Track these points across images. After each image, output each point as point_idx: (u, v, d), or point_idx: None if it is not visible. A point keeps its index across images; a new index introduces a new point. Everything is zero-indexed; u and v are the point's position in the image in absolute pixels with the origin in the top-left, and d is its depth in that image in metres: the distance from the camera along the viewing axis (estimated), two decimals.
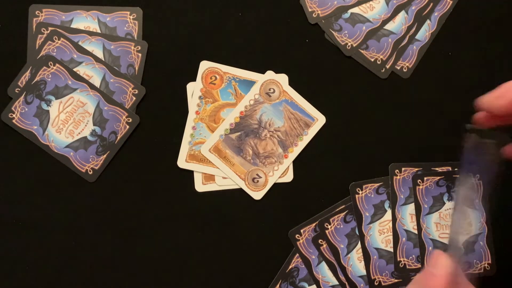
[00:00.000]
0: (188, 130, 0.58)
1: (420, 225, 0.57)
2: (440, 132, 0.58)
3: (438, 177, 0.57)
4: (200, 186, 0.57)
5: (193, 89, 0.58)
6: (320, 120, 0.58)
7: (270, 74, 0.58)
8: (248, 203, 0.57)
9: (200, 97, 0.58)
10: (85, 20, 0.58)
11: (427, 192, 0.57)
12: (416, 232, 0.57)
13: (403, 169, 0.57)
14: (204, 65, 0.58)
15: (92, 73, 0.57)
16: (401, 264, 0.57)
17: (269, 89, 0.58)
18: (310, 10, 0.59)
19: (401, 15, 0.59)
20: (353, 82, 0.59)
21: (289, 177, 0.58)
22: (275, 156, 0.58)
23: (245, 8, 0.58)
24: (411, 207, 0.57)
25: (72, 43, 0.57)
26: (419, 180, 0.57)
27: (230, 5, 0.58)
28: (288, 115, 0.58)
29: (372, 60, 0.59)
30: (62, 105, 0.57)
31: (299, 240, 0.57)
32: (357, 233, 0.57)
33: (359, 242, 0.57)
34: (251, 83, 0.58)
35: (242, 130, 0.58)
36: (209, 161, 0.57)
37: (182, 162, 0.57)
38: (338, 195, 0.58)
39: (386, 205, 0.57)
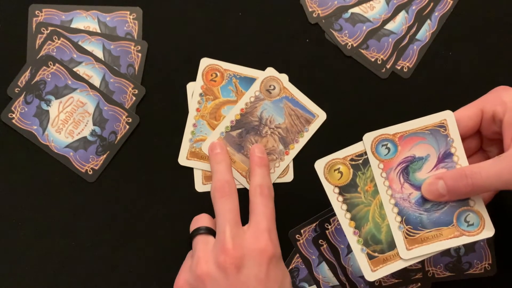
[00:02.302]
0: (188, 128, 0.58)
1: None
2: None
3: None
4: (200, 186, 0.57)
5: (193, 89, 0.58)
6: (320, 116, 0.58)
7: (270, 71, 0.58)
8: (248, 203, 0.57)
9: (200, 94, 0.58)
10: (85, 20, 0.58)
11: None
12: None
13: None
14: (205, 62, 0.58)
15: (92, 73, 0.57)
16: None
17: (270, 86, 0.58)
18: (310, 10, 0.59)
19: (402, 15, 0.59)
20: (353, 82, 0.59)
21: (289, 177, 0.58)
22: (276, 153, 0.58)
23: (245, 8, 0.58)
24: None
25: (72, 43, 0.57)
26: None
27: (230, 5, 0.58)
28: (288, 112, 0.58)
29: (373, 60, 0.59)
30: (62, 105, 0.57)
31: (299, 240, 0.57)
32: None
33: None
34: (252, 80, 0.58)
35: (242, 127, 0.58)
36: None
37: (183, 159, 0.57)
38: None
39: None
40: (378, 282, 0.56)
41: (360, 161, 0.47)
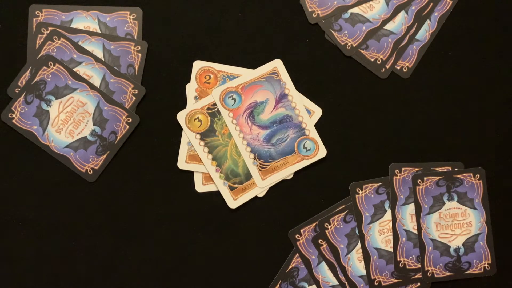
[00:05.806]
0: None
1: (420, 225, 0.57)
2: (440, 132, 0.58)
3: (438, 177, 0.57)
4: (200, 186, 0.57)
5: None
6: (316, 112, 0.58)
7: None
8: (248, 203, 0.57)
9: (195, 97, 0.58)
10: (85, 20, 0.58)
11: (427, 192, 0.57)
12: (416, 232, 0.57)
13: (403, 169, 0.57)
14: (198, 65, 0.58)
15: (92, 73, 0.57)
16: (401, 264, 0.57)
17: None
18: (310, 10, 0.59)
19: (401, 15, 0.59)
20: (353, 82, 0.59)
21: (289, 177, 0.58)
22: None
23: (245, 8, 0.58)
24: (411, 207, 0.57)
25: (72, 43, 0.57)
26: (419, 180, 0.57)
27: (230, 5, 0.58)
28: None
29: (372, 60, 0.59)
30: (62, 105, 0.57)
31: (299, 240, 0.57)
32: (357, 233, 0.57)
33: (359, 242, 0.57)
34: None
35: None
36: None
37: (182, 163, 0.57)
38: (338, 195, 0.58)
39: (386, 205, 0.57)
40: (378, 282, 0.56)
41: (216, 109, 0.55)
